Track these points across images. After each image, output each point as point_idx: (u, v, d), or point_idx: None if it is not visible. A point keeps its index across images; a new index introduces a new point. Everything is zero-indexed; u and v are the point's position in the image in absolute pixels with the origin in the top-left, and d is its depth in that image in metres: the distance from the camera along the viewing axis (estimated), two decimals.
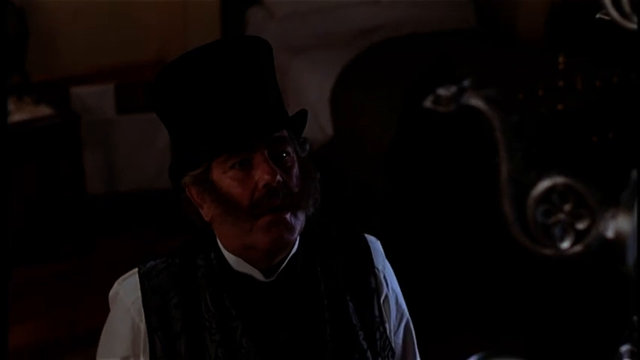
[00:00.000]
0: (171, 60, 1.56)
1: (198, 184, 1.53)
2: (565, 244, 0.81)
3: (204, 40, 1.59)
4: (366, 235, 1.70)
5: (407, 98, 3.89)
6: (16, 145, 4.09)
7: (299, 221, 1.52)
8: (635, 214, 0.79)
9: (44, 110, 4.38)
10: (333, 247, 1.65)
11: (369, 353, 1.61)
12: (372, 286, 1.65)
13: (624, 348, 0.89)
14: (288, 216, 1.50)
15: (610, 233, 0.80)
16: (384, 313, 1.65)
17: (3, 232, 2.98)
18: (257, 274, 1.56)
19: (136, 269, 1.60)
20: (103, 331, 1.62)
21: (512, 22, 5.21)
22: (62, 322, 3.93)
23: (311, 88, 4.52)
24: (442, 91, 0.81)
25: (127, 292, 1.58)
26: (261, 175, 1.48)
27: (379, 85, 4.23)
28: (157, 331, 1.54)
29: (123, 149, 4.85)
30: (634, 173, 0.81)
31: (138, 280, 1.57)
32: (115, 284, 1.61)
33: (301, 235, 1.56)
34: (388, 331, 1.65)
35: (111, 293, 1.61)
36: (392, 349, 1.65)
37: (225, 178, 1.51)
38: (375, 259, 1.67)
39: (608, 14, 0.82)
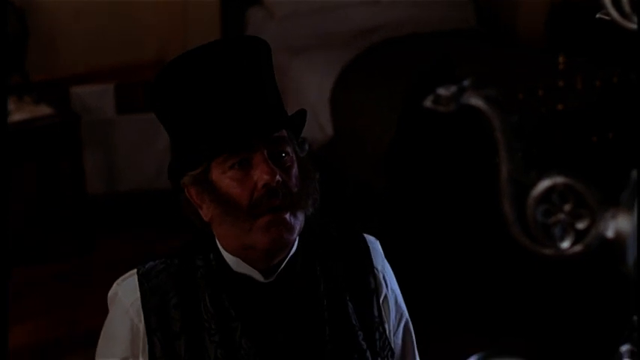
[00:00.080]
0: (170, 60, 1.56)
1: (198, 185, 1.53)
2: (565, 244, 0.80)
3: (204, 40, 1.59)
4: (366, 235, 1.70)
5: (407, 98, 3.89)
6: (16, 144, 4.09)
7: (298, 221, 1.52)
8: (635, 214, 0.79)
9: (44, 110, 4.38)
10: (333, 247, 1.65)
11: (368, 353, 1.60)
12: (371, 287, 1.65)
13: (624, 348, 0.89)
14: (287, 216, 1.50)
15: (610, 233, 0.80)
16: (383, 314, 1.65)
17: (3, 232, 2.98)
18: (256, 275, 1.56)
19: (135, 270, 1.59)
20: (102, 332, 1.62)
21: (512, 22, 5.21)
22: (62, 322, 3.93)
23: (311, 88, 4.52)
24: (442, 91, 0.81)
25: (126, 293, 1.58)
26: (261, 175, 1.48)
27: (379, 85, 4.23)
28: (156, 331, 1.54)
29: (123, 149, 4.85)
30: (634, 173, 0.81)
31: (137, 280, 1.57)
32: (114, 285, 1.61)
33: (301, 235, 1.56)
34: (387, 332, 1.65)
35: (110, 294, 1.61)
36: (391, 349, 1.65)
37: (224, 178, 1.50)
38: (374, 260, 1.67)
39: (608, 14, 0.82)
